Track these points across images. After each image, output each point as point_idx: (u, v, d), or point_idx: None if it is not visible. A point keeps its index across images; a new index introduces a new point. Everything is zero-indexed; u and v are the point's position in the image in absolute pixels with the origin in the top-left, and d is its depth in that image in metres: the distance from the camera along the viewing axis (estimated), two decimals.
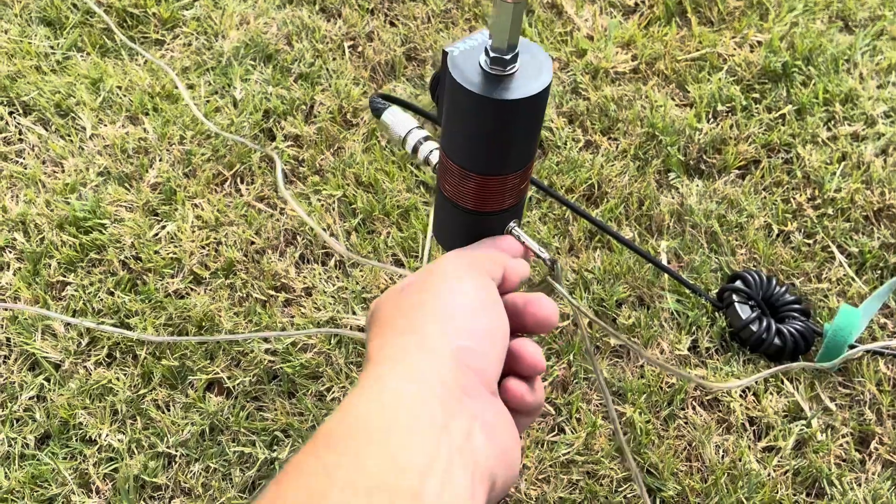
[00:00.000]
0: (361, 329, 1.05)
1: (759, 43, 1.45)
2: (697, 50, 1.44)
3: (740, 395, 1.02)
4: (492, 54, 0.69)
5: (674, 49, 1.43)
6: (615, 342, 1.07)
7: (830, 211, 1.21)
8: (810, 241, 1.18)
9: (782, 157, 1.29)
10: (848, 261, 1.16)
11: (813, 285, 1.14)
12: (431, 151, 0.86)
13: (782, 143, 1.30)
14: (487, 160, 0.74)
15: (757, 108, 1.35)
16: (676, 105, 1.36)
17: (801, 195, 1.23)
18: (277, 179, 1.15)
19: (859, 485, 0.96)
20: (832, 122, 1.34)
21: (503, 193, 0.77)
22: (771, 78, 1.39)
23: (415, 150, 0.88)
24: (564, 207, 1.19)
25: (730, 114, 1.34)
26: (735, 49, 1.43)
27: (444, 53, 0.73)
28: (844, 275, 1.15)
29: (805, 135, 1.31)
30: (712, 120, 1.33)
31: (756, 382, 1.03)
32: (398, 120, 0.90)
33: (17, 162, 1.22)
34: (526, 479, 0.95)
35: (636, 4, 1.53)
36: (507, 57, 0.69)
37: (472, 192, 0.77)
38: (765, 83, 1.39)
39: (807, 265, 1.15)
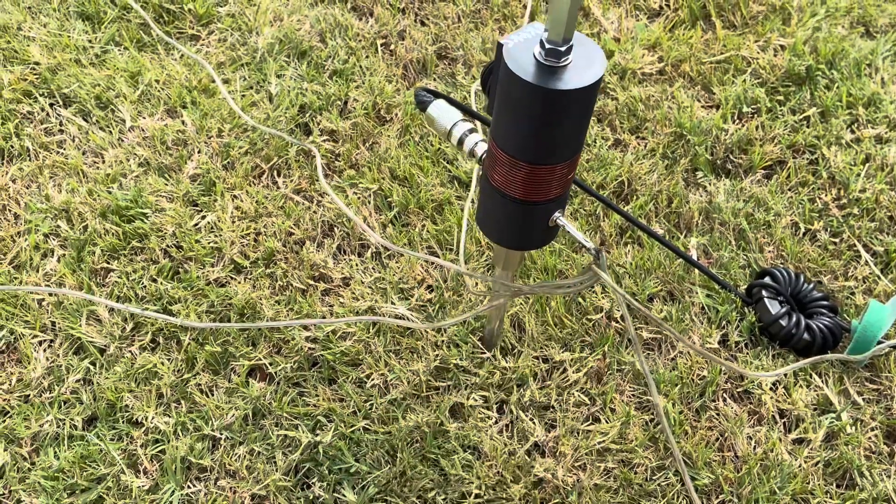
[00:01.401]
0: (399, 317, 1.07)
1: (783, 47, 1.48)
2: (722, 53, 1.46)
3: (770, 388, 1.05)
4: (547, 46, 0.72)
5: (699, 52, 1.46)
6: (647, 335, 1.09)
7: (856, 211, 1.23)
8: (836, 240, 1.21)
9: (807, 158, 1.31)
10: (874, 259, 1.19)
11: (840, 283, 1.16)
12: (476, 143, 0.89)
13: (807, 145, 1.32)
14: (538, 149, 0.77)
15: (781, 110, 1.37)
16: (702, 106, 1.39)
17: (826, 195, 1.26)
18: (318, 172, 1.17)
19: (888, 476, 0.98)
20: (856, 125, 1.36)
21: (551, 183, 0.80)
22: (795, 81, 1.42)
23: (460, 142, 0.91)
24: (595, 203, 1.22)
25: (755, 115, 1.37)
26: (759, 52, 1.46)
27: (499, 45, 0.75)
28: (870, 273, 1.17)
29: (829, 136, 1.33)
30: (738, 121, 1.36)
31: (786, 376, 1.05)
32: (444, 112, 0.93)
33: (59, 152, 1.24)
34: (562, 467, 0.97)
35: (661, 8, 1.56)
36: (562, 49, 0.72)
37: (520, 182, 0.80)
38: (789, 86, 1.41)
39: (833, 263, 1.17)
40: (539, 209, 0.82)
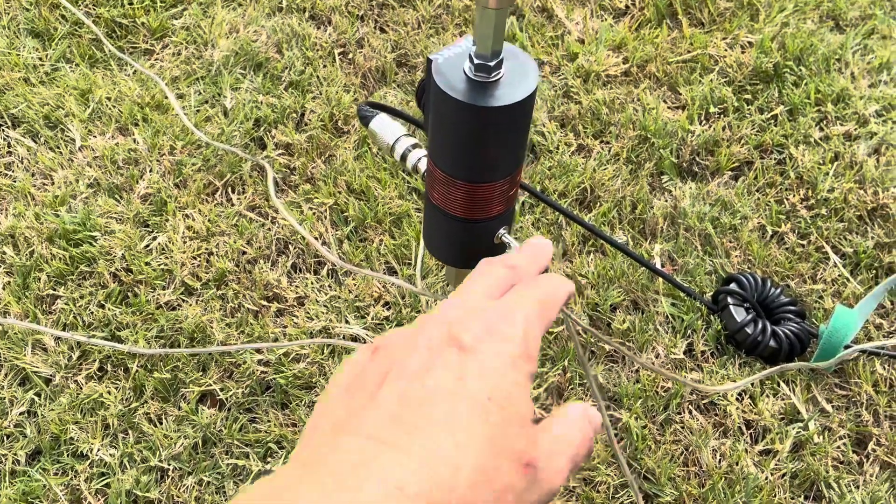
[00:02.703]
0: (354, 338, 1.05)
1: (750, 44, 1.45)
2: (689, 52, 1.43)
3: (736, 399, 1.02)
4: (476, 61, 0.69)
5: (665, 51, 1.43)
6: (609, 347, 1.06)
7: (824, 211, 1.21)
8: (804, 242, 1.18)
9: (775, 158, 1.28)
10: (842, 261, 1.16)
11: (808, 286, 1.13)
12: (420, 159, 0.86)
13: (775, 144, 1.30)
14: (474, 168, 0.74)
15: (749, 109, 1.35)
16: (668, 107, 1.36)
17: (794, 196, 1.23)
18: (269, 189, 1.14)
19: (857, 487, 0.95)
20: (824, 122, 1.33)
21: (492, 200, 0.77)
22: (762, 79, 1.39)
23: (403, 157, 0.88)
24: (558, 212, 1.19)
25: (722, 115, 1.34)
26: (726, 50, 1.43)
27: (429, 61, 0.72)
28: (839, 275, 1.14)
29: (797, 135, 1.30)
30: (704, 122, 1.33)
31: (752, 385, 1.02)
32: (386, 128, 0.90)
33: (6, 175, 1.21)
34: None
35: (627, 7, 1.53)
36: (492, 63, 0.69)
37: (460, 200, 0.77)
38: (756, 84, 1.38)
39: (801, 266, 1.15)
40: (481, 227, 0.79)
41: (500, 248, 0.83)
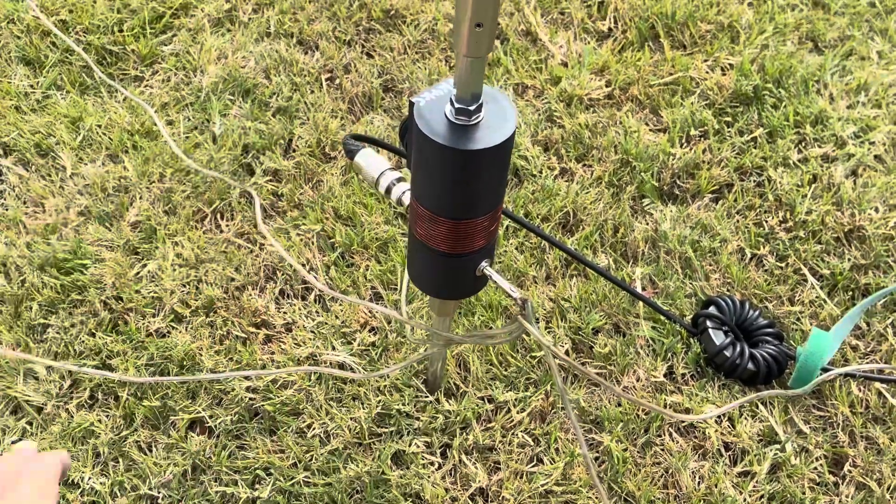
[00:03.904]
0: (341, 366, 1.07)
1: (731, 66, 1.48)
2: (670, 74, 1.46)
3: (716, 421, 1.04)
4: (457, 105, 0.71)
5: (647, 74, 1.46)
6: (593, 369, 1.09)
7: (802, 233, 1.23)
8: (783, 265, 1.20)
9: (754, 180, 1.31)
10: (819, 283, 1.18)
11: (786, 308, 1.15)
12: (404, 192, 0.88)
13: (754, 166, 1.32)
14: (456, 206, 0.76)
15: (729, 132, 1.37)
16: (650, 130, 1.38)
17: (773, 218, 1.25)
18: (256, 216, 1.16)
19: None
20: (803, 144, 1.36)
21: (474, 236, 0.79)
22: (742, 101, 1.42)
23: (388, 191, 0.90)
24: (540, 238, 1.21)
25: (702, 138, 1.36)
26: (707, 72, 1.46)
27: (411, 104, 0.75)
28: (816, 297, 1.17)
29: (776, 157, 1.33)
30: (685, 144, 1.36)
31: (729, 411, 1.04)
32: (371, 161, 0.92)
33: None
34: None
35: (609, 30, 1.55)
36: (472, 108, 0.71)
37: (443, 236, 0.79)
38: (736, 106, 1.41)
39: (780, 288, 1.17)
40: (464, 261, 0.81)
41: (483, 281, 0.85)
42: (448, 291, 0.87)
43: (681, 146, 1.35)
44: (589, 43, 1.52)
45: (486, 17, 0.64)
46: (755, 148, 1.35)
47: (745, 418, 1.04)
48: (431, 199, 0.76)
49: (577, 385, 1.07)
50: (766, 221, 1.25)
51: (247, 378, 1.04)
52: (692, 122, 1.38)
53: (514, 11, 1.55)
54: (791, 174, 1.31)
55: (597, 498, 0.97)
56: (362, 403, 1.03)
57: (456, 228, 0.78)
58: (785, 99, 1.41)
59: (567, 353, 1.09)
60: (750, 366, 1.07)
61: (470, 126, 0.72)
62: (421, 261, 0.84)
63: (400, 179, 0.90)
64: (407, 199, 0.88)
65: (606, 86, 1.44)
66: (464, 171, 0.72)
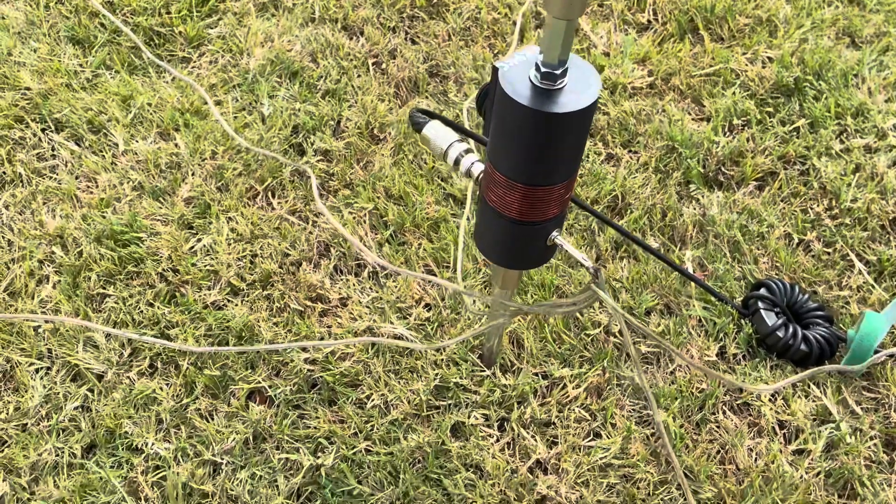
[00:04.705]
0: (398, 337, 1.07)
1: (770, 59, 1.49)
2: (710, 66, 1.48)
3: (769, 400, 1.05)
4: (542, 69, 0.72)
5: (688, 65, 1.47)
6: (645, 349, 1.10)
7: (848, 221, 1.25)
8: (830, 250, 1.21)
9: (798, 169, 1.32)
10: (867, 268, 1.20)
11: (834, 292, 1.17)
12: (473, 163, 0.89)
13: (797, 156, 1.34)
14: (535, 171, 0.77)
15: (771, 122, 1.39)
16: (693, 119, 1.40)
17: (818, 205, 1.27)
18: (313, 193, 1.17)
19: (889, 486, 0.99)
20: (844, 135, 1.37)
21: (548, 203, 0.80)
22: (783, 92, 1.43)
23: (456, 162, 0.91)
24: (590, 218, 1.22)
25: (745, 127, 1.38)
26: (747, 65, 1.47)
27: (495, 69, 0.76)
28: (864, 282, 1.18)
29: (819, 147, 1.34)
30: (728, 133, 1.37)
31: (784, 387, 1.05)
32: (439, 133, 0.93)
33: (52, 178, 1.24)
34: (565, 484, 0.97)
35: (649, 22, 1.57)
36: (558, 72, 0.72)
37: (517, 202, 0.80)
38: (778, 97, 1.43)
39: (827, 273, 1.18)
40: (537, 229, 0.82)
41: (551, 251, 0.86)
42: (518, 261, 0.88)
43: (724, 135, 1.36)
44: (629, 34, 1.54)
45: None
46: (798, 137, 1.36)
47: (799, 398, 1.05)
48: (509, 165, 0.77)
49: (631, 364, 1.08)
50: (812, 208, 1.26)
51: (304, 350, 1.05)
52: (734, 111, 1.39)
53: None
54: (834, 163, 1.32)
55: (655, 472, 0.98)
56: (420, 376, 1.04)
57: (532, 195, 0.79)
58: (825, 91, 1.42)
59: (620, 331, 1.10)
60: (803, 347, 1.07)
61: (555, 90, 0.73)
62: (492, 229, 0.85)
63: (468, 151, 0.91)
64: (476, 171, 0.89)
65: (649, 75, 1.46)
66: (547, 134, 0.73)
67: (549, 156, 0.75)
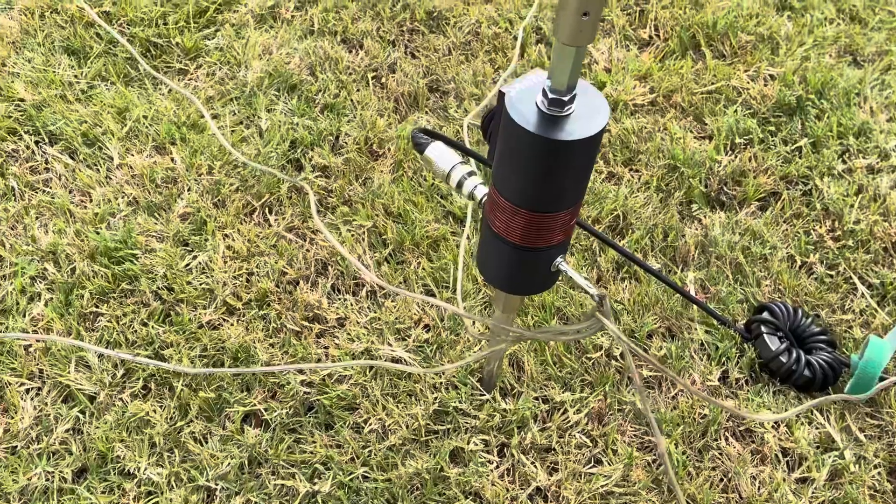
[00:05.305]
0: (397, 360, 1.06)
1: (772, 76, 1.48)
2: (712, 83, 1.47)
3: (773, 427, 1.04)
4: (550, 95, 0.71)
5: (689, 82, 1.46)
6: (647, 373, 1.08)
7: (851, 243, 1.23)
8: (832, 273, 1.20)
9: (800, 189, 1.31)
10: (870, 292, 1.18)
11: (837, 316, 1.15)
12: (476, 187, 0.88)
13: (800, 176, 1.32)
14: (540, 198, 0.76)
15: (773, 141, 1.38)
16: (695, 137, 1.39)
17: (821, 227, 1.26)
18: (311, 210, 1.16)
19: None
20: (847, 155, 1.36)
21: (553, 230, 0.79)
22: (785, 111, 1.42)
23: (459, 185, 0.89)
24: (591, 239, 1.21)
25: (748, 146, 1.37)
26: (749, 83, 1.46)
27: (501, 94, 0.74)
28: (867, 306, 1.17)
29: (822, 167, 1.33)
30: (731, 152, 1.36)
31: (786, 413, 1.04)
32: (442, 155, 0.91)
33: (45, 191, 1.22)
34: None
35: (650, 38, 1.56)
36: (566, 98, 0.71)
37: (521, 228, 0.78)
38: (780, 116, 1.41)
39: (830, 296, 1.17)
40: (541, 255, 0.81)
41: (554, 277, 0.85)
42: (521, 286, 0.86)
43: (726, 154, 1.35)
44: (630, 50, 1.53)
45: (594, 6, 0.64)
46: (800, 157, 1.35)
47: (802, 424, 1.04)
48: (515, 191, 0.76)
49: (632, 389, 1.06)
50: (815, 230, 1.25)
51: (301, 372, 1.03)
52: (736, 130, 1.38)
53: (555, 17, 1.55)
54: (837, 184, 1.31)
55: (657, 500, 0.97)
56: (418, 400, 1.02)
57: (537, 221, 0.77)
58: (828, 110, 1.42)
59: (622, 355, 1.09)
60: (806, 372, 1.06)
61: (562, 117, 0.71)
62: (496, 254, 0.83)
63: (471, 174, 0.89)
64: (479, 194, 0.87)
65: (650, 92, 1.44)
66: (553, 162, 0.72)
67: (554, 183, 0.74)
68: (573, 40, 0.66)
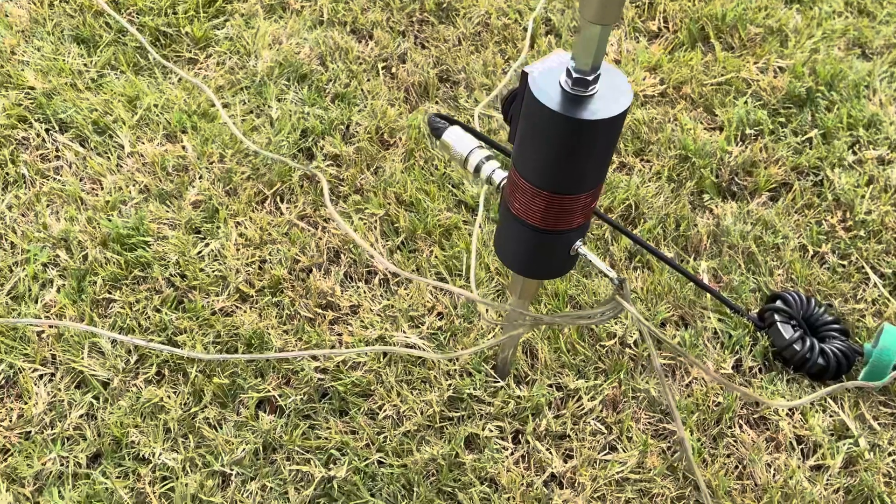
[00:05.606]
0: (411, 347, 1.05)
1: (781, 69, 1.48)
2: (722, 75, 1.47)
3: (787, 414, 1.04)
4: (574, 75, 0.71)
5: (699, 73, 1.46)
6: (662, 360, 1.08)
7: (862, 233, 1.23)
8: (845, 263, 1.20)
9: (811, 180, 1.31)
10: (882, 281, 1.19)
11: (850, 305, 1.15)
12: (494, 171, 0.87)
13: (811, 166, 1.33)
14: (562, 179, 0.75)
15: (784, 132, 1.38)
16: (705, 128, 1.39)
17: (832, 217, 1.26)
18: (325, 198, 1.15)
19: None
20: (857, 146, 1.37)
21: (573, 212, 0.78)
22: (795, 103, 1.42)
23: (477, 169, 0.89)
24: (603, 227, 1.21)
25: (758, 137, 1.37)
26: (758, 74, 1.46)
27: (524, 73, 0.74)
28: (880, 295, 1.17)
29: (832, 158, 1.33)
30: (741, 143, 1.36)
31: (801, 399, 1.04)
32: (459, 139, 0.91)
33: (56, 179, 1.22)
34: (582, 498, 0.95)
35: (659, 30, 1.56)
36: (590, 78, 0.71)
37: (542, 211, 0.78)
38: (790, 108, 1.42)
39: (843, 286, 1.17)
40: (560, 238, 0.80)
41: (573, 261, 0.85)
42: (539, 270, 0.86)
43: (737, 144, 1.35)
44: (640, 42, 1.52)
45: None
46: (811, 148, 1.35)
47: (816, 412, 1.04)
48: (536, 172, 0.76)
49: (647, 376, 1.06)
50: (826, 220, 1.25)
51: (315, 358, 1.03)
52: (747, 121, 1.38)
53: (564, 8, 1.55)
54: (848, 175, 1.31)
55: (672, 486, 0.97)
56: (433, 386, 1.02)
57: (558, 203, 0.77)
58: (837, 102, 1.42)
59: (636, 343, 1.09)
60: (820, 360, 1.06)
61: (586, 97, 0.71)
62: (514, 237, 0.83)
63: (489, 157, 0.89)
64: (497, 178, 0.87)
65: (660, 84, 1.44)
66: (576, 142, 0.72)
67: (577, 164, 0.74)
68: (599, 18, 0.66)
